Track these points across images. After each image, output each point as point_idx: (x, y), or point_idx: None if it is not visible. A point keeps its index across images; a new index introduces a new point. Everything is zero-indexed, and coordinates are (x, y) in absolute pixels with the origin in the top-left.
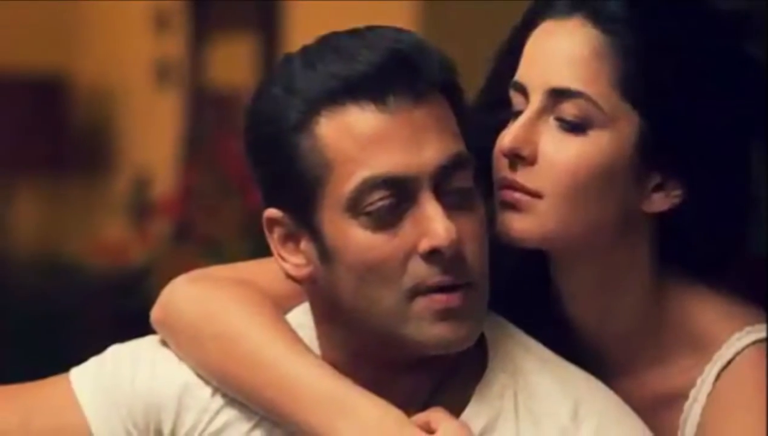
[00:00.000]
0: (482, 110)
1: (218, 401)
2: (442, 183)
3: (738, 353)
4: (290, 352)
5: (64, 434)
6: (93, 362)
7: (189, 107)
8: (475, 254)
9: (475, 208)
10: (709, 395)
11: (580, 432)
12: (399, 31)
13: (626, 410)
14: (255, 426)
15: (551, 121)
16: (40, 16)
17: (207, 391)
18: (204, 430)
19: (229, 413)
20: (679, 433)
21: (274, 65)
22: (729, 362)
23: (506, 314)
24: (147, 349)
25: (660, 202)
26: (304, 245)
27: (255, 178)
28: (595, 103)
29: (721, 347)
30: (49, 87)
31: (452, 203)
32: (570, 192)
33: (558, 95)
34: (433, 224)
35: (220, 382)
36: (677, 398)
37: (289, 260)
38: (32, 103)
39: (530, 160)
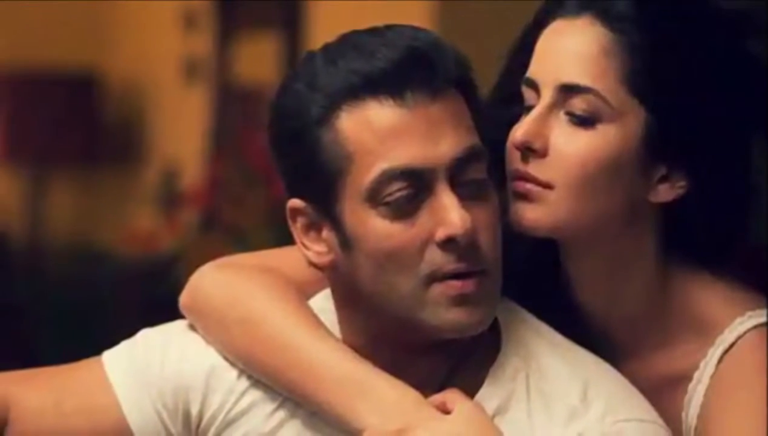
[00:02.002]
0: (496, 105)
1: (244, 382)
2: (457, 175)
3: (740, 337)
4: (312, 336)
5: (96, 414)
6: (124, 346)
7: (216, 102)
8: (488, 242)
9: (489, 199)
10: (712, 376)
11: (589, 413)
12: (416, 29)
13: (633, 391)
14: (278, 407)
15: (561, 115)
16: (74, 16)
17: (233, 373)
18: (230, 410)
19: (254, 394)
20: (683, 413)
21: (297, 62)
22: (731, 346)
23: (518, 299)
24: (176, 333)
25: (665, 193)
26: (326, 233)
27: (279, 170)
28: (603, 99)
29: (724, 331)
30: (82, 83)
31: (467, 194)
32: (579, 183)
33: (568, 91)
34: (449, 213)
35: (246, 364)
36: (681, 380)
37: (312, 248)
38: (67, 99)
39: (541, 153)
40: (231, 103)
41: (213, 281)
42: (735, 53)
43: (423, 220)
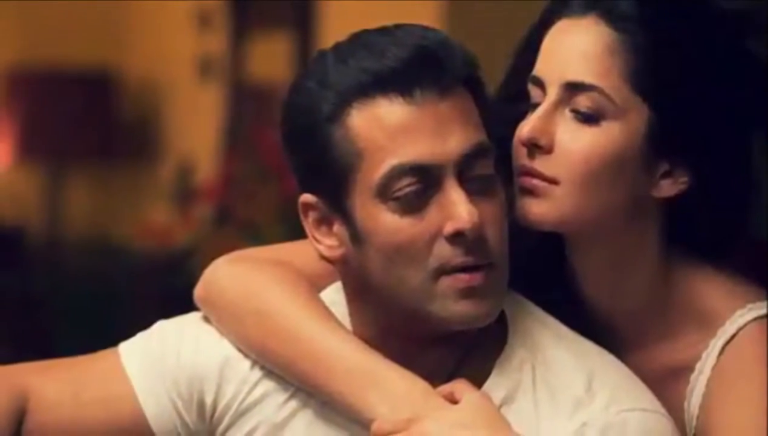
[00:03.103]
0: (503, 103)
1: (257, 373)
2: (465, 170)
3: (740, 329)
4: (324, 327)
5: (113, 404)
6: (140, 337)
7: (229, 100)
8: (495, 236)
9: (496, 194)
10: (714, 367)
11: (593, 403)
12: (425, 29)
13: (637, 382)
14: (291, 397)
15: (567, 112)
16: (90, 16)
17: (246, 364)
18: (243, 400)
19: (267, 385)
20: (685, 403)
21: (308, 61)
22: (732, 337)
23: (525, 292)
24: (191, 325)
25: (668, 188)
26: (337, 228)
27: (291, 166)
28: (607, 96)
29: (725, 323)
30: (99, 81)
31: (475, 189)
32: (584, 179)
33: (573, 88)
34: (457, 208)
35: (259, 355)
36: (684, 371)
37: (323, 242)
38: (84, 96)
39: (547, 149)
40: (244, 100)
41: (227, 275)
42: (736, 52)
43: (432, 214)
